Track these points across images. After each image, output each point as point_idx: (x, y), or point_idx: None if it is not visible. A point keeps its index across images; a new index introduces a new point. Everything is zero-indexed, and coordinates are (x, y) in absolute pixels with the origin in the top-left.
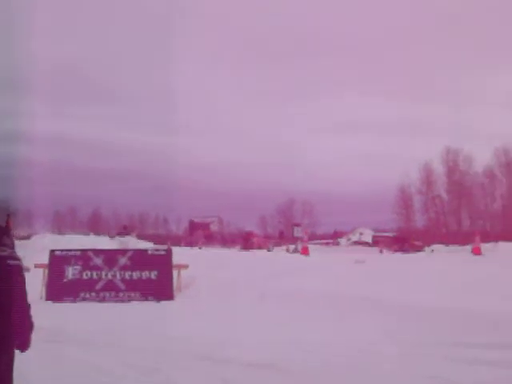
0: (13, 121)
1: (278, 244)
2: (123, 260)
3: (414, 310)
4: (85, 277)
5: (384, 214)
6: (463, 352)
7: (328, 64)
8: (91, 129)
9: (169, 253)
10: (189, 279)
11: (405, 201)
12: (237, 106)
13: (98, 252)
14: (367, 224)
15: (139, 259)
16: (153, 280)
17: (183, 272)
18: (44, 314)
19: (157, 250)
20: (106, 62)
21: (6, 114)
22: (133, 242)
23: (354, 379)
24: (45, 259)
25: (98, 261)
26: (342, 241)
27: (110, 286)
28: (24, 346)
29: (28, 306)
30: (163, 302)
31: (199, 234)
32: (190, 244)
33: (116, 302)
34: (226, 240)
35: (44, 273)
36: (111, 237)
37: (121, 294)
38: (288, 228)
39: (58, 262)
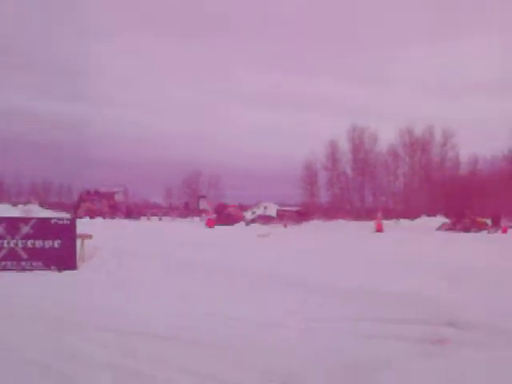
0: None
1: (184, 216)
2: (26, 228)
3: (315, 285)
4: None
5: (289, 188)
6: (364, 327)
7: (241, 40)
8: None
9: (73, 222)
10: (93, 250)
11: (310, 176)
12: (150, 77)
13: None
14: (272, 198)
15: (42, 228)
16: (56, 249)
17: (87, 242)
18: None
19: (60, 219)
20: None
21: None
22: (36, 211)
23: (254, 352)
24: None
25: None
26: (247, 214)
27: (12, 255)
28: None
29: None
30: (66, 272)
31: (104, 203)
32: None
33: (18, 271)
34: (131, 211)
35: None
36: (14, 205)
37: (23, 263)
38: (193, 200)
39: None
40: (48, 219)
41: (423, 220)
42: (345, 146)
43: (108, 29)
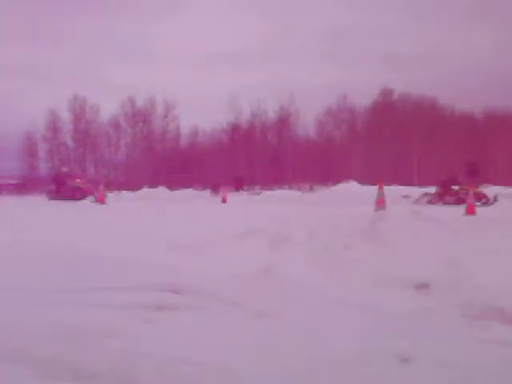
0: None
1: None
2: None
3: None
4: None
5: (9, 160)
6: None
7: None
8: None
9: None
10: None
11: (30, 147)
12: None
13: None
14: None
15: None
16: None
17: None
18: None
19: None
20: None
21: None
22: None
23: None
24: None
25: None
26: None
27: None
28: None
29: None
30: None
31: None
32: None
33: None
34: None
35: None
36: None
37: None
38: None
39: None
40: None
41: (145, 191)
42: (66, 116)
43: None
